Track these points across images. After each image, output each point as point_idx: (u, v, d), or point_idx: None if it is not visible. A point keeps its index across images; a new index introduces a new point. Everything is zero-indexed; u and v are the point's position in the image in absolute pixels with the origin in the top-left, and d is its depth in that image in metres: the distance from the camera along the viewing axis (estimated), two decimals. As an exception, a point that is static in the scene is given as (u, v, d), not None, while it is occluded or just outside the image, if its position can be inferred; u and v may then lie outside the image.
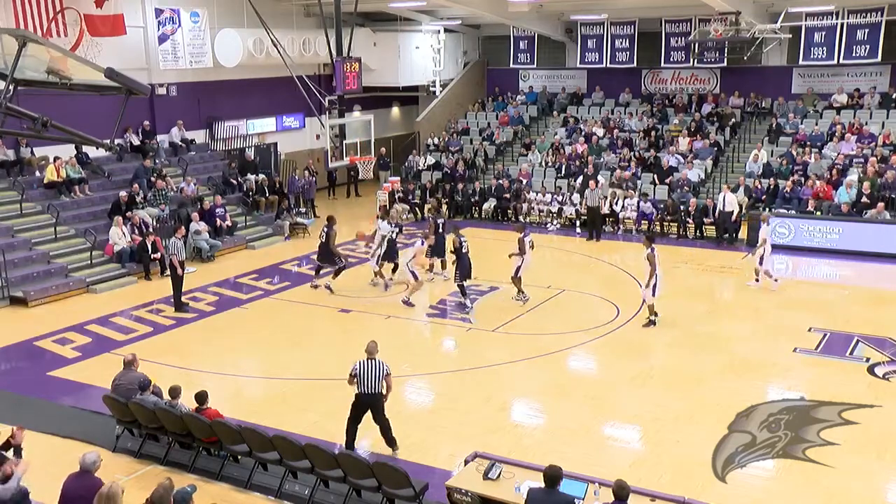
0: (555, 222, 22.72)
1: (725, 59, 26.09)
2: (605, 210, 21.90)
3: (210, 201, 20.88)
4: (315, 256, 17.36)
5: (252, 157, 24.50)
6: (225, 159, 24.09)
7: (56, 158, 19.47)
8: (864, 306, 15.33)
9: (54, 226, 18.28)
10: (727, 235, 20.30)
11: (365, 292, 16.67)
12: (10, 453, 8.18)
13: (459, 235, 15.63)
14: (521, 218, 23.16)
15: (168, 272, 15.87)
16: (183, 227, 16.28)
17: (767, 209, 20.93)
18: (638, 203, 21.79)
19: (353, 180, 27.60)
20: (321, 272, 17.08)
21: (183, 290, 15.76)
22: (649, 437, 10.28)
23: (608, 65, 27.85)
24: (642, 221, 21.65)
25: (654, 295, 14.05)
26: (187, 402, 9.66)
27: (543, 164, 25.78)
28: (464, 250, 15.38)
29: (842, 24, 23.83)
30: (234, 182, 22.92)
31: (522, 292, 15.54)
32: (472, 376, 12.31)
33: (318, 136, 26.67)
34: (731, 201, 20.27)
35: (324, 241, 16.61)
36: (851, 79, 25.56)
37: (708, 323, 14.48)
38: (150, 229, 18.92)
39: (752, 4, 23.99)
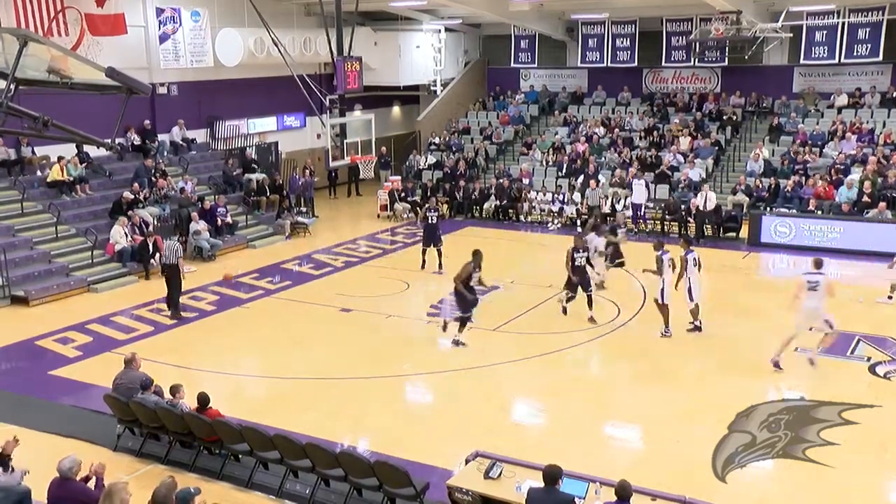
0: (555, 222, 22.71)
1: (726, 59, 26.10)
2: (606, 209, 21.91)
3: (211, 201, 20.89)
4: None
5: (253, 157, 24.50)
6: (224, 158, 24.07)
7: (60, 158, 19.49)
8: (865, 305, 15.31)
9: (55, 225, 18.28)
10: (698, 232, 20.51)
11: (373, 291, 16.64)
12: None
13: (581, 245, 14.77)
14: (521, 217, 23.20)
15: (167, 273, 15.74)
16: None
17: (768, 208, 20.96)
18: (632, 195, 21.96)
19: (353, 179, 27.60)
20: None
21: (182, 290, 15.56)
22: (649, 436, 10.29)
23: (609, 64, 27.87)
24: (637, 218, 21.72)
25: (691, 300, 13.60)
26: (188, 402, 9.66)
27: (544, 163, 25.79)
28: (576, 262, 14.62)
29: (843, 24, 23.87)
30: (234, 173, 22.82)
31: (681, 322, 13.78)
32: (473, 376, 12.32)
33: (318, 136, 26.70)
34: (710, 199, 20.64)
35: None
36: (852, 78, 25.56)
37: (708, 322, 14.43)
38: (151, 229, 18.93)
39: (753, 4, 23.99)
